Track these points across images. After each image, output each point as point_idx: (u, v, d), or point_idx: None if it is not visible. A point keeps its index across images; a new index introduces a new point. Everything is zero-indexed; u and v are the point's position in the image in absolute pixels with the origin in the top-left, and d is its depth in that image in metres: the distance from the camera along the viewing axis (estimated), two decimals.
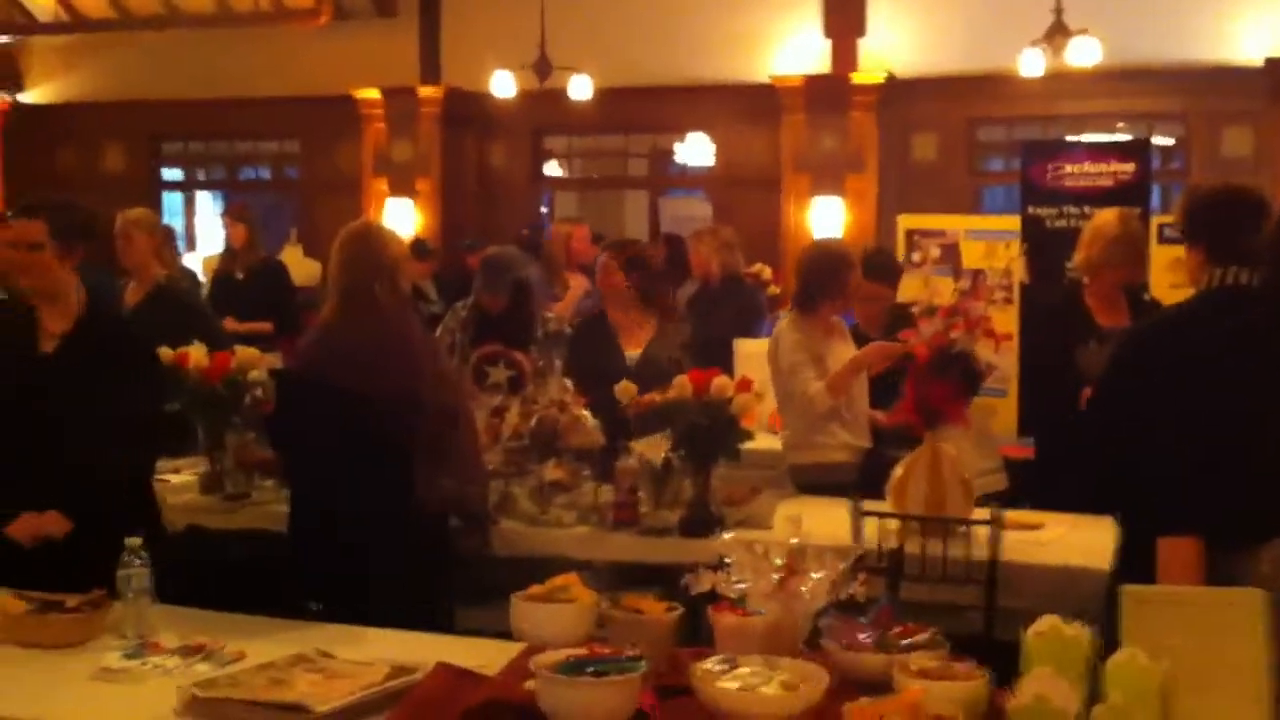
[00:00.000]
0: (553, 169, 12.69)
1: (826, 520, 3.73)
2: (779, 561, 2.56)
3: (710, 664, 2.29)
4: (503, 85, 10.33)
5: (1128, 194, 5.67)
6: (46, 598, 2.96)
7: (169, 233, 6.87)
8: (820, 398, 4.66)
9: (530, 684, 2.30)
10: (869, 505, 3.86)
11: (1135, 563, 3.09)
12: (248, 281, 7.94)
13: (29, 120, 12.78)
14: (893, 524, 3.85)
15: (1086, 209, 5.53)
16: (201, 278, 8.66)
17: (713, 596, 2.60)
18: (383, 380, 3.69)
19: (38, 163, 12.59)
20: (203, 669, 2.69)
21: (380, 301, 3.78)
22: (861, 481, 4.36)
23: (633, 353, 5.02)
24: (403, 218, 11.18)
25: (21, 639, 2.85)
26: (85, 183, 12.16)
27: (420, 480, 3.77)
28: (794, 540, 2.61)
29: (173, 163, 13.52)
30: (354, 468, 3.67)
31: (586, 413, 4.49)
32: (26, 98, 12.93)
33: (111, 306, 4.15)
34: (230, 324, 7.02)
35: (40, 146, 12.69)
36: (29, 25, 12.29)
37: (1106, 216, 4.92)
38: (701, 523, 4.06)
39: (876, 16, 10.51)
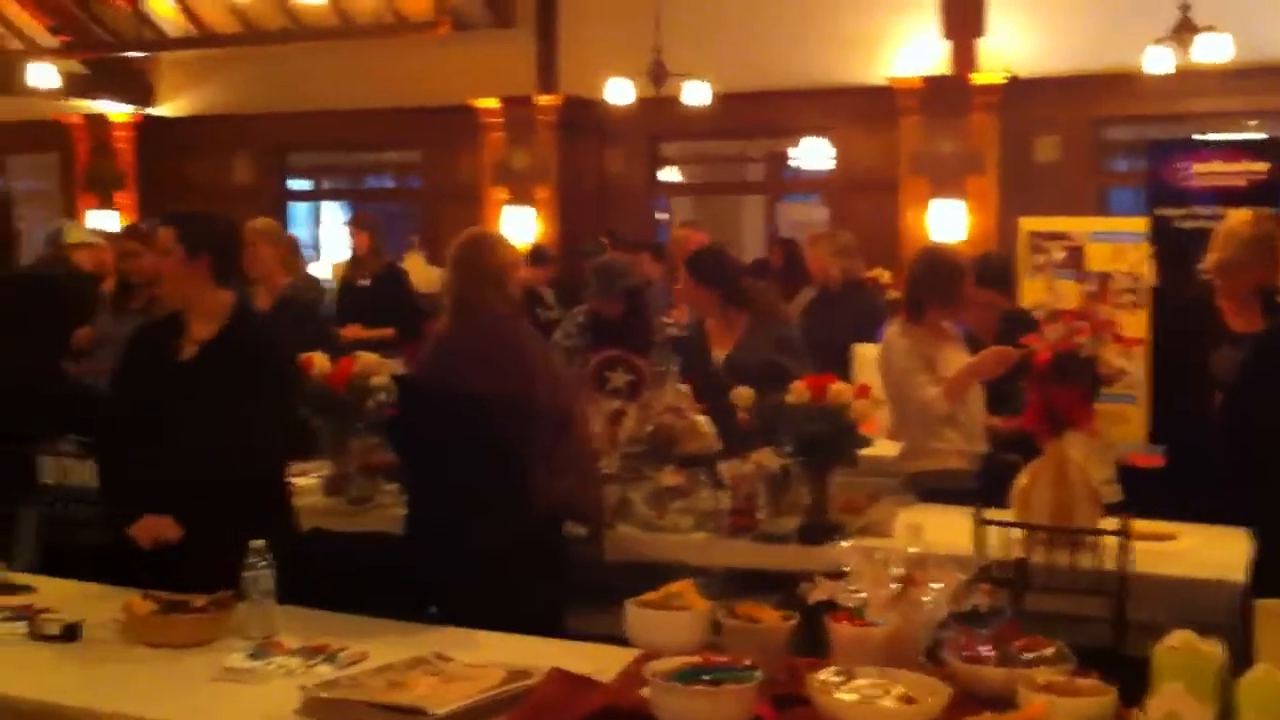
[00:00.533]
0: (669, 175, 12.70)
1: (947, 529, 3.66)
2: (898, 571, 2.52)
3: (827, 675, 2.26)
4: (619, 92, 10.36)
5: (1261, 194, 5.50)
6: (173, 598, 3.02)
7: (293, 242, 7.02)
8: (938, 402, 4.58)
9: (644, 691, 2.29)
10: (991, 514, 3.78)
11: (1270, 576, 2.97)
12: (371, 288, 8.07)
13: (160, 133, 13.16)
14: (1017, 533, 3.76)
15: (1218, 209, 5.37)
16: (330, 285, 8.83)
17: (830, 606, 2.56)
18: (496, 385, 3.71)
19: (169, 174, 12.96)
20: (323, 670, 2.72)
21: (491, 308, 3.81)
22: (980, 489, 4.28)
23: (721, 354, 4.99)
24: (522, 225, 11.28)
25: (149, 638, 2.91)
26: (215, 193, 12.48)
27: (535, 484, 3.79)
28: (914, 549, 2.56)
29: (299, 173, 13.82)
30: (470, 472, 3.70)
31: (703, 418, 4.49)
32: (158, 111, 13.31)
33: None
34: (354, 330, 7.14)
35: (171, 158, 13.06)
36: (159, 41, 12.66)
37: (1240, 217, 4.76)
38: (820, 530, 4.02)
39: (996, 16, 10.33)
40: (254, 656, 2.80)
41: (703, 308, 5.13)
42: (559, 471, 3.89)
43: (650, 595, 2.61)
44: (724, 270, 5.15)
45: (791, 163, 12.43)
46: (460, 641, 2.93)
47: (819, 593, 2.57)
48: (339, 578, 3.55)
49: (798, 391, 4.04)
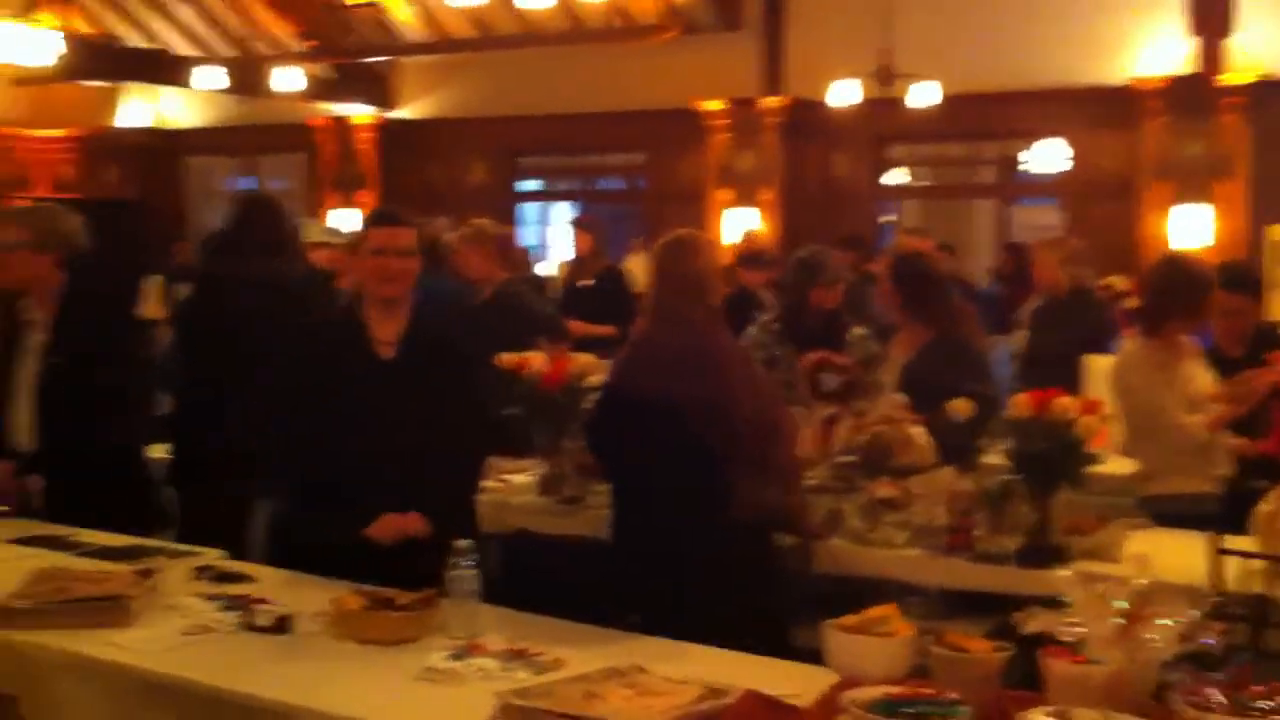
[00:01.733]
0: (896, 177, 12.45)
1: (1181, 558, 3.44)
2: (1123, 604, 2.35)
3: (1040, 714, 2.12)
4: (845, 94, 10.20)
5: None
6: (381, 594, 3.07)
7: (503, 240, 7.08)
8: (1197, 431, 4.33)
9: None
10: (1230, 542, 3.53)
11: None
12: (593, 289, 8.17)
13: (400, 136, 13.61)
14: (1257, 564, 3.50)
15: None
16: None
17: (1046, 638, 2.41)
18: (693, 390, 3.65)
19: (409, 176, 13.39)
20: (521, 675, 2.72)
21: (690, 313, 3.75)
22: (1220, 515, 4.01)
23: (900, 360, 4.82)
24: (744, 227, 11.23)
25: (357, 634, 2.96)
26: (451, 194, 12.85)
27: (739, 492, 3.71)
28: (1142, 580, 2.39)
29: (530, 175, 14.09)
30: (670, 478, 3.65)
31: (919, 429, 4.34)
32: (398, 114, 13.76)
33: (440, 314, 4.24)
34: (577, 326, 7.23)
35: (411, 160, 13.48)
36: (400, 46, 13.09)
37: None
38: (1041, 552, 3.83)
39: (1246, 13, 9.77)
40: (455, 657, 2.81)
41: (895, 313, 4.98)
42: (764, 479, 3.81)
43: (851, 618, 2.51)
44: (919, 278, 4.98)
45: (1024, 166, 12.03)
46: (660, 653, 2.88)
47: (1035, 623, 2.42)
48: (543, 580, 3.57)
49: (1019, 405, 3.86)
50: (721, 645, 2.96)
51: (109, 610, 3.05)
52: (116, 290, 4.66)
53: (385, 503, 3.47)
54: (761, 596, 3.79)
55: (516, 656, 2.82)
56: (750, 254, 9.02)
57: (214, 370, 5.14)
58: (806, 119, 11.31)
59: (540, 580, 3.63)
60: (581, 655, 2.81)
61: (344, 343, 3.64)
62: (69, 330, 4.32)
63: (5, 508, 4.25)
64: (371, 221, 3.79)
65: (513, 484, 4.76)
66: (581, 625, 3.09)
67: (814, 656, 2.76)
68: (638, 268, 9.88)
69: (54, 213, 4.45)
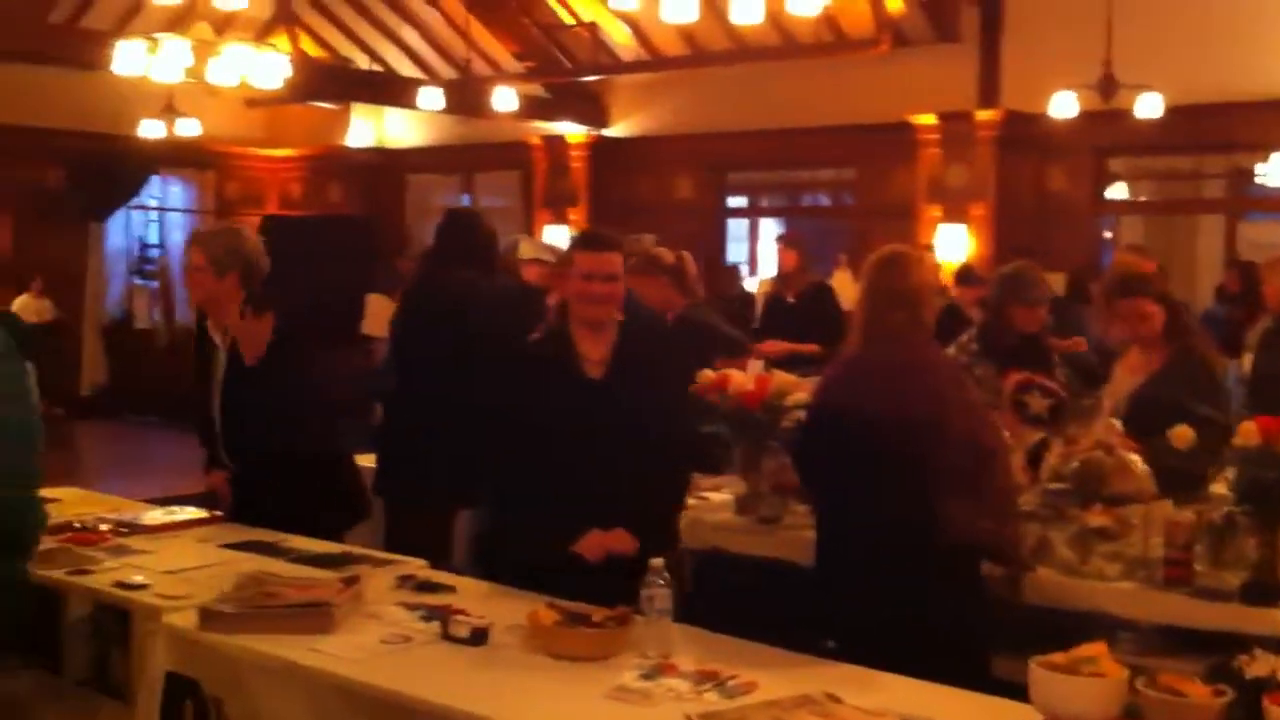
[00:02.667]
0: (1117, 192, 11.99)
1: None
2: None
3: None
4: (1063, 106, 9.87)
5: None
6: (576, 609, 3.08)
7: (679, 266, 7.06)
8: None
9: None
10: None
11: None
12: (797, 305, 8.09)
13: (611, 153, 13.78)
14: None
15: None
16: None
17: (1270, 684, 2.25)
18: (903, 411, 3.55)
19: (618, 192, 13.54)
20: (712, 698, 2.68)
21: (901, 330, 3.65)
22: None
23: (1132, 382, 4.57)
24: (954, 243, 10.98)
25: (551, 649, 2.97)
26: (658, 210, 12.94)
27: (950, 518, 3.59)
28: None
29: (737, 191, 14.08)
30: (878, 502, 3.55)
31: (1136, 456, 4.13)
32: (610, 132, 13.94)
33: (646, 333, 4.23)
34: (774, 344, 7.15)
35: (621, 177, 13.64)
36: (614, 65, 13.25)
37: None
38: (1267, 589, 3.58)
39: None
40: (646, 677, 2.80)
41: (1134, 333, 4.75)
42: (976, 505, 3.68)
43: (1059, 656, 2.39)
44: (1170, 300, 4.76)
45: (1258, 179, 11.42)
46: (855, 681, 2.81)
47: (1258, 667, 2.26)
48: (737, 600, 3.52)
49: (1246, 433, 3.64)
50: (919, 675, 2.87)
51: (313, 616, 3.13)
52: (329, 303, 4.79)
53: (591, 519, 3.49)
54: (965, 627, 3.66)
55: (708, 678, 2.78)
56: (964, 271, 8.81)
57: (422, 381, 5.27)
58: (1022, 132, 11.00)
59: (733, 600, 3.58)
60: (774, 680, 2.76)
61: (553, 361, 3.67)
62: (283, 338, 4.45)
63: (219, 513, 4.43)
64: (578, 245, 3.81)
65: (710, 501, 4.73)
66: (774, 649, 3.04)
67: (1015, 689, 2.64)
68: (843, 284, 9.76)
69: (236, 234, 4.56)
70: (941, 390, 3.65)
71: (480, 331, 5.18)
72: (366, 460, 5.36)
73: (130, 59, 8.87)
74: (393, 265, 12.28)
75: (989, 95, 11.33)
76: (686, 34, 12.33)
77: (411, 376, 5.37)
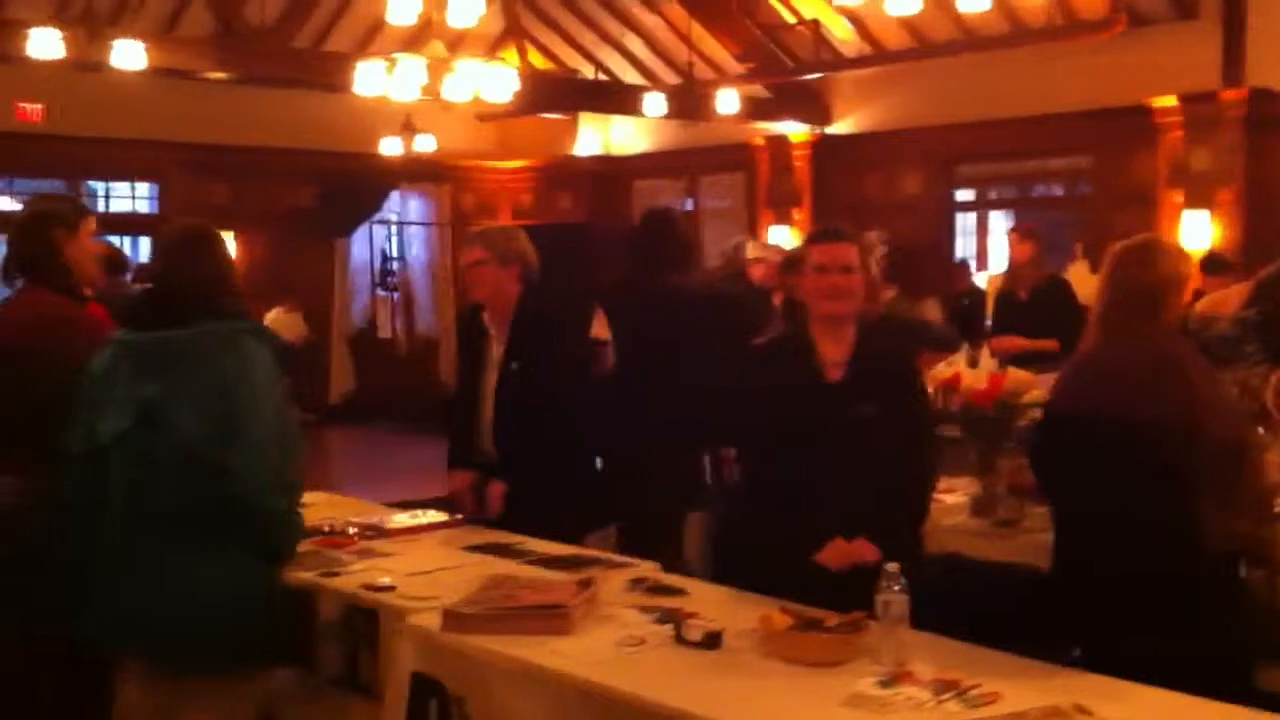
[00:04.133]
0: None
1: None
2: None
3: None
4: None
5: None
6: (809, 614, 3.05)
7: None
8: None
9: None
10: None
11: None
12: (1030, 300, 7.84)
13: (835, 150, 13.64)
14: None
15: None
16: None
17: None
18: (1151, 410, 3.38)
19: (842, 190, 13.41)
20: (953, 708, 2.62)
21: (1143, 324, 3.49)
22: None
23: None
24: (1199, 231, 10.47)
25: (784, 654, 2.95)
26: (883, 207, 12.76)
27: (1203, 521, 3.41)
28: None
29: (965, 184, 13.75)
30: (1122, 504, 3.40)
31: None
32: (833, 129, 13.81)
33: (889, 333, 4.17)
34: (1007, 341, 6.95)
35: (844, 175, 13.49)
36: (836, 61, 13.12)
37: None
38: None
39: None
40: (884, 684, 2.75)
41: None
42: (1232, 506, 3.49)
43: None
44: None
45: None
46: (1104, 692, 2.69)
47: None
48: (975, 605, 3.42)
49: None
50: (1173, 687, 2.73)
51: (551, 618, 3.19)
52: (565, 306, 4.91)
53: (830, 526, 3.45)
54: (1222, 635, 3.47)
55: (948, 687, 2.72)
56: (1212, 258, 8.40)
57: (639, 383, 5.31)
58: (1270, 111, 10.40)
59: (970, 606, 3.48)
60: (1017, 690, 2.68)
61: (791, 364, 3.63)
62: (521, 341, 4.60)
63: (459, 516, 4.56)
64: (814, 238, 3.74)
65: (944, 504, 4.62)
66: (1016, 657, 2.94)
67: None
68: (1080, 277, 9.42)
69: (511, 232, 4.78)
70: (1194, 390, 3.46)
71: (691, 333, 5.21)
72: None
73: (370, 80, 9.25)
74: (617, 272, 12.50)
75: (1233, 73, 10.74)
76: (910, 26, 12.10)
77: (628, 379, 5.41)
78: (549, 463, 4.48)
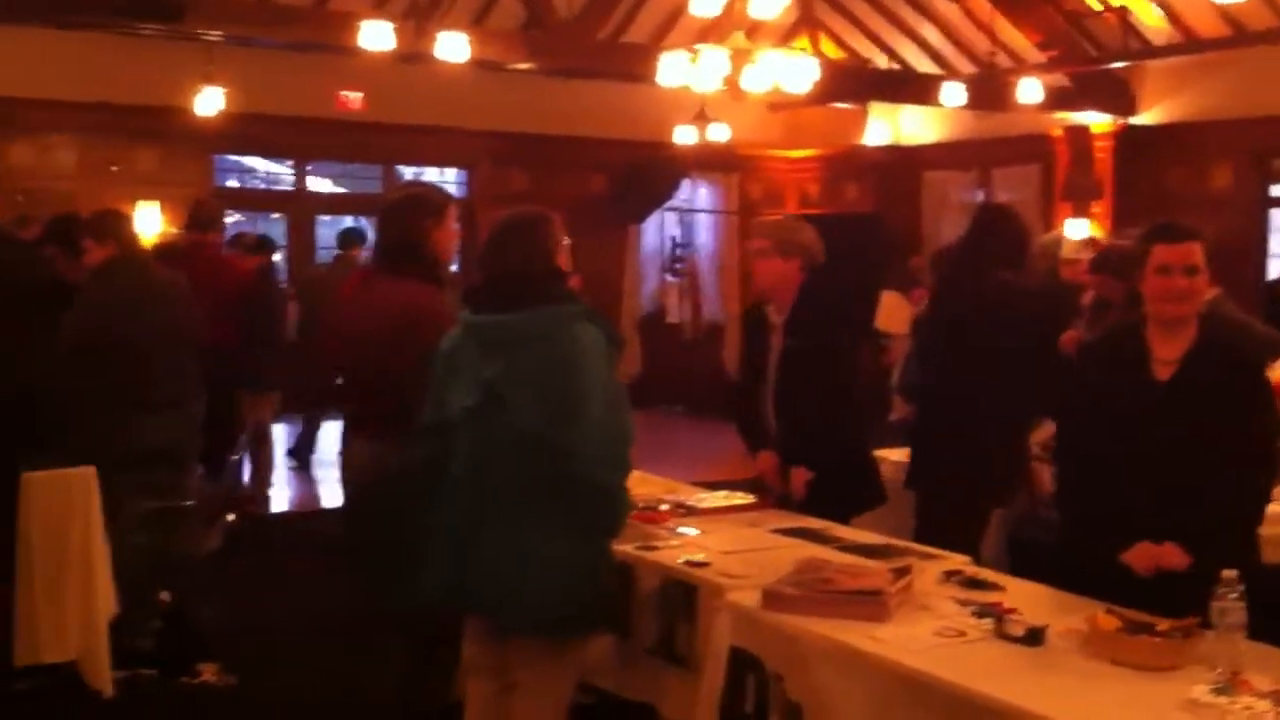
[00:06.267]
0: None
1: None
2: None
3: None
4: None
5: None
6: (1139, 618, 3.00)
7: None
8: None
9: None
10: None
11: None
12: None
13: (1138, 141, 13.10)
14: None
15: None
16: None
17: None
18: None
19: (1145, 183, 12.87)
20: None
21: None
22: None
23: None
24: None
25: (1112, 655, 2.92)
26: (1191, 202, 12.19)
27: None
28: None
29: None
30: None
31: None
32: (1138, 120, 13.27)
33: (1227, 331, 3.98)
34: None
35: (1148, 167, 12.94)
36: (1145, 50, 12.60)
37: None
38: None
39: None
40: (1219, 692, 2.69)
41: None
42: None
43: None
44: None
45: None
46: None
47: None
48: None
49: None
50: None
51: (869, 605, 3.24)
52: (847, 295, 5.01)
53: (1150, 526, 3.38)
54: None
55: None
56: None
57: (956, 379, 5.27)
58: None
59: None
60: None
61: (1121, 361, 3.56)
62: (800, 324, 4.68)
63: (763, 498, 4.68)
64: (1155, 235, 3.53)
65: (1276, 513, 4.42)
66: None
67: None
68: None
69: (795, 224, 4.91)
70: None
71: (1019, 331, 5.14)
72: (891, 454, 5.49)
73: (673, 70, 9.41)
74: (905, 263, 12.35)
75: None
76: (1227, 13, 11.51)
77: (945, 373, 5.39)
78: (821, 446, 4.60)
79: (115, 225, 5.78)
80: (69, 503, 5.04)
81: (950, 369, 5.30)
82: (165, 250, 7.89)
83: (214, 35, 10.13)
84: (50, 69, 11.42)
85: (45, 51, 11.25)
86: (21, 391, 4.86)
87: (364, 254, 9.99)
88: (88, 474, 5.07)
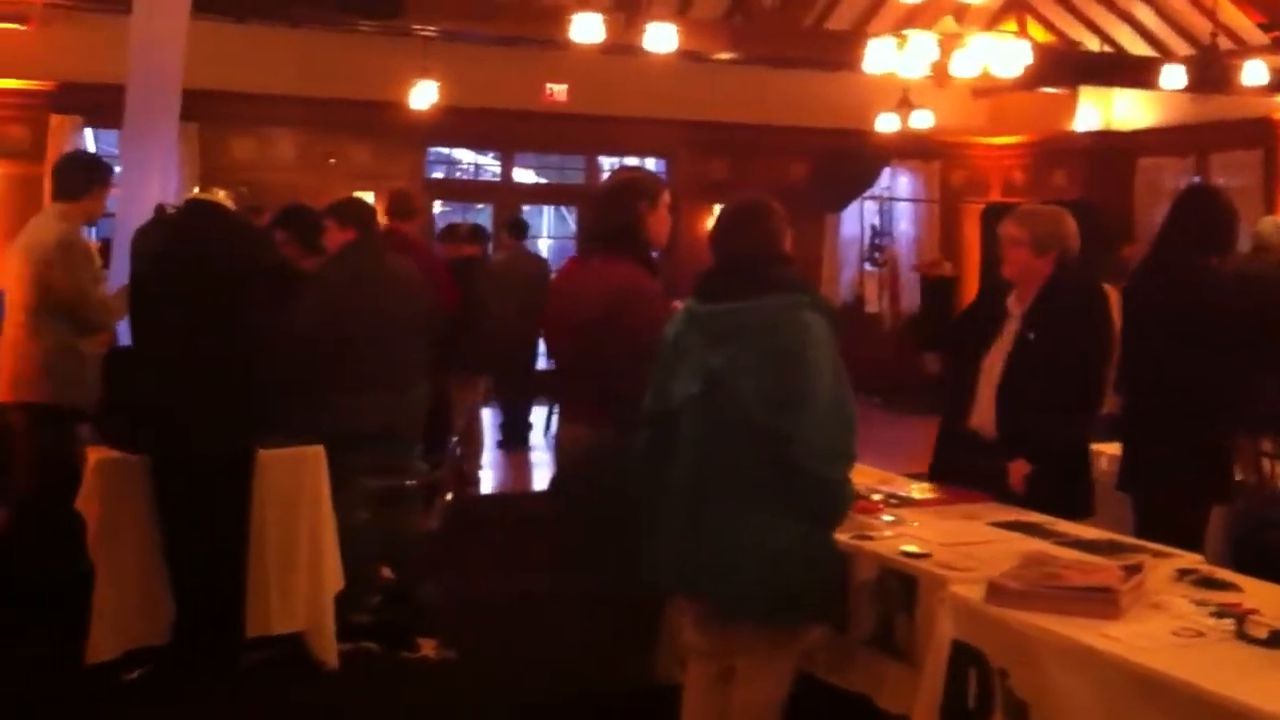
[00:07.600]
0: None
1: None
2: None
3: None
4: None
5: None
6: None
7: None
8: None
9: None
10: None
11: None
12: None
13: None
14: None
15: None
16: None
17: None
18: None
19: None
20: None
21: None
22: None
23: None
24: None
25: None
26: None
27: None
28: None
29: None
30: None
31: None
32: None
33: None
34: None
35: None
36: None
37: None
38: None
39: None
40: None
41: None
42: None
43: None
44: None
45: None
46: None
47: None
48: None
49: None
50: None
51: (1099, 601, 3.15)
52: (1094, 290, 4.81)
53: None
54: None
55: None
56: None
57: (1157, 372, 5.07)
58: None
59: None
60: None
61: None
62: (1042, 315, 4.55)
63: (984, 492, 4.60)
64: None
65: None
66: None
67: None
68: None
69: (1057, 216, 4.72)
70: None
71: (1236, 319, 4.94)
72: (1105, 449, 5.35)
73: (880, 57, 9.31)
74: (1118, 253, 11.92)
75: None
76: None
77: (1145, 366, 5.18)
78: (1043, 442, 4.46)
79: (359, 211, 6.01)
80: (300, 480, 5.28)
81: (1149, 359, 5.09)
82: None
83: (429, 31, 10.42)
84: (272, 65, 11.92)
85: (268, 48, 11.76)
86: (244, 367, 5.02)
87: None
88: (317, 452, 5.30)
